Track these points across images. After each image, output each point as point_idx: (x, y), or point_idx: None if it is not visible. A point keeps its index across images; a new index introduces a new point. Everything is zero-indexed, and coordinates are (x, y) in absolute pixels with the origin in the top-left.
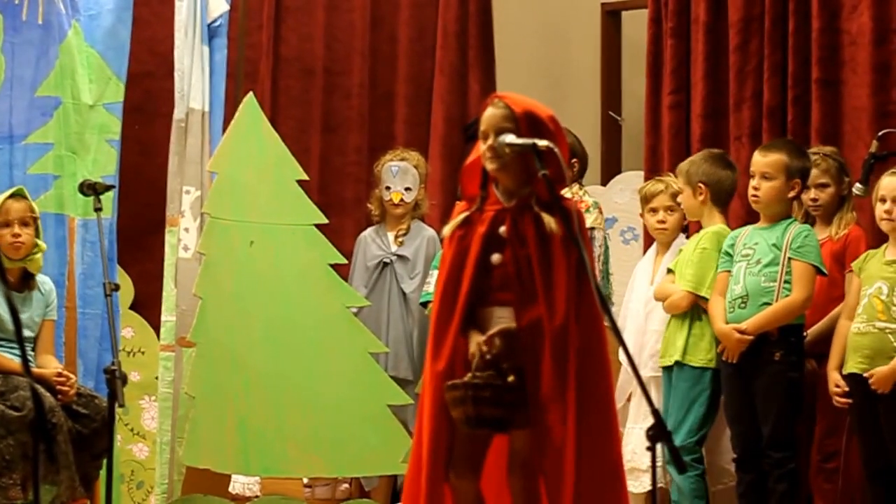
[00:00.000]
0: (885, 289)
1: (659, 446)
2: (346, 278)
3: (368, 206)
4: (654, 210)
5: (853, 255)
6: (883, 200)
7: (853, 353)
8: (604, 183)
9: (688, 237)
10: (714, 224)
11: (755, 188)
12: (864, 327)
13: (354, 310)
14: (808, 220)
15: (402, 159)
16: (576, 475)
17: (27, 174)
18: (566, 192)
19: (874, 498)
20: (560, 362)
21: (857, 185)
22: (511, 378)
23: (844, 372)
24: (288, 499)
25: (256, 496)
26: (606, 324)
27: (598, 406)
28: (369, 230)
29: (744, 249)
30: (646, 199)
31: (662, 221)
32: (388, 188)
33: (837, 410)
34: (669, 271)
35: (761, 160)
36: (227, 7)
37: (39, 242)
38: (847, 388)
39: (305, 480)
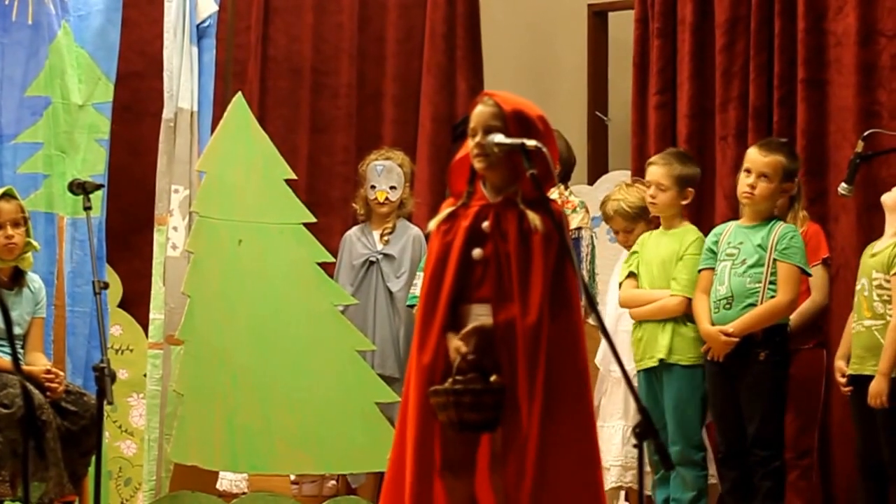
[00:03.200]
0: (865, 284)
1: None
2: (332, 277)
3: (353, 205)
4: (616, 231)
5: (815, 250)
6: None
7: (853, 352)
8: (590, 182)
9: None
10: (683, 227)
11: (752, 186)
12: (856, 327)
13: (341, 308)
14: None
15: (386, 158)
16: (543, 473)
17: (17, 173)
18: (553, 192)
19: (866, 493)
20: (531, 360)
21: (843, 184)
22: (494, 378)
23: (848, 372)
24: (275, 496)
25: (244, 493)
26: (594, 323)
27: (572, 405)
28: (354, 229)
29: (728, 248)
30: (604, 219)
31: (625, 239)
32: (373, 187)
33: (810, 408)
34: (631, 275)
35: (761, 159)
36: (215, 8)
37: (32, 241)
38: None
39: (293, 477)
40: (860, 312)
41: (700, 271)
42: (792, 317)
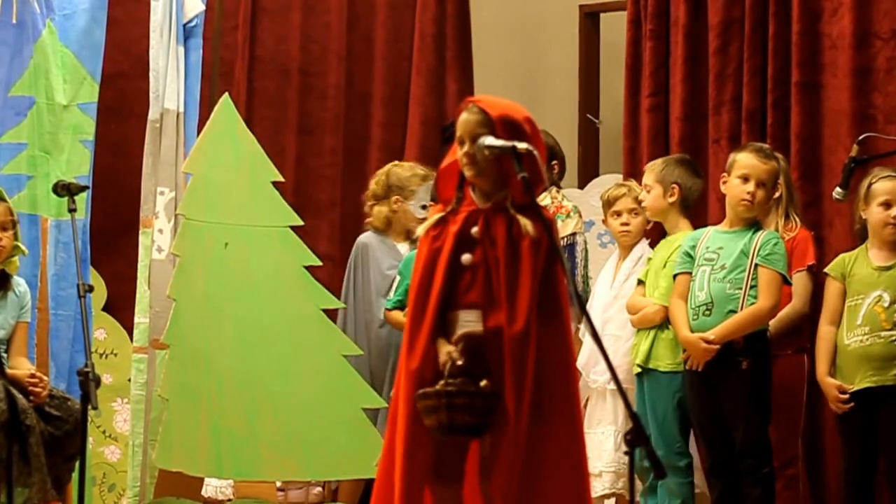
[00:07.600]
0: (886, 297)
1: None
2: (320, 280)
3: (370, 211)
4: (618, 213)
5: (801, 257)
6: (888, 205)
7: (860, 367)
8: (581, 186)
9: (650, 244)
10: (680, 232)
11: (751, 193)
12: (869, 339)
13: (380, 323)
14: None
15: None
16: (532, 481)
17: (0, 174)
18: (545, 196)
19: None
20: (518, 368)
21: (837, 188)
22: (484, 382)
23: (855, 388)
24: (261, 502)
25: (229, 499)
26: (587, 328)
27: (561, 412)
28: (372, 238)
29: (707, 253)
30: (608, 203)
31: (626, 224)
32: (423, 206)
33: (792, 416)
34: (640, 282)
35: (762, 166)
36: (202, 7)
37: (20, 245)
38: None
39: (278, 484)
40: (875, 324)
41: (676, 276)
42: (771, 323)
